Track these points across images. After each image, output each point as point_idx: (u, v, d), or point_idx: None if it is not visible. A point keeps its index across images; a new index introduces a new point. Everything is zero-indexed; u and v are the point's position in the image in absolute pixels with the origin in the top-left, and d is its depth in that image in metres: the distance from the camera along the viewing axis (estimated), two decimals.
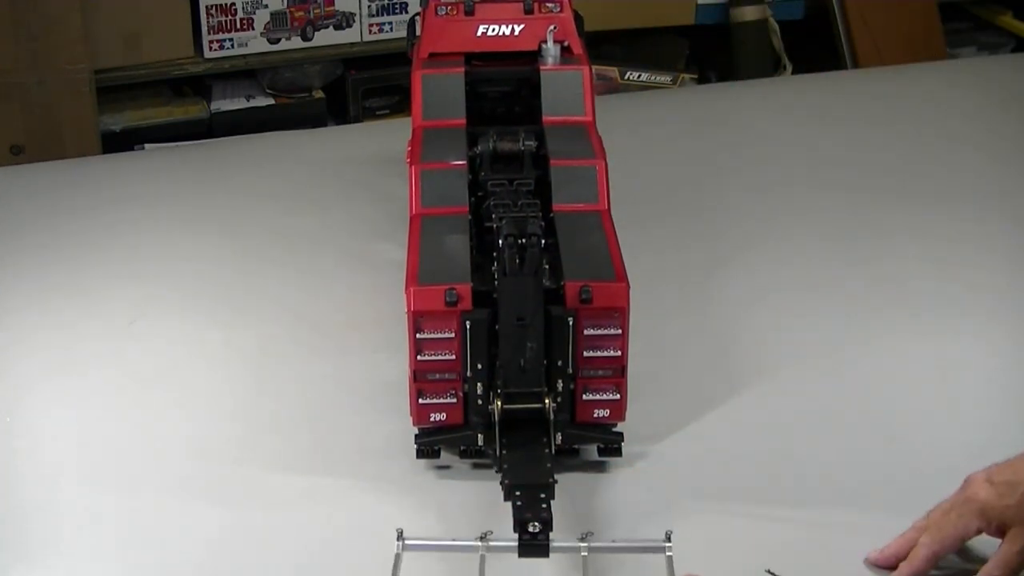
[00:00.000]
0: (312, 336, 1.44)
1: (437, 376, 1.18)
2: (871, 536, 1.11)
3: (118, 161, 2.13)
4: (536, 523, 1.03)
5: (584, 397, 1.19)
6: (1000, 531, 1.06)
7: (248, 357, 1.41)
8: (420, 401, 1.19)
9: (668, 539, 1.05)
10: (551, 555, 1.04)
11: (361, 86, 2.55)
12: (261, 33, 2.47)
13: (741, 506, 1.18)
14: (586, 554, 1.03)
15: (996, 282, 1.54)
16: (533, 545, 1.04)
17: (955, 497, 1.09)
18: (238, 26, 2.45)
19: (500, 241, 1.14)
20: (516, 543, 1.03)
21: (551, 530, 1.04)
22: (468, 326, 1.16)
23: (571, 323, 1.16)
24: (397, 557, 1.05)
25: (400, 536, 1.05)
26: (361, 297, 1.50)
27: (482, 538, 1.04)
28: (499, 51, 1.50)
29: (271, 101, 2.52)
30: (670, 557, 1.04)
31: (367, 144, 1.92)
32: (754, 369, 1.37)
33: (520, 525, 1.04)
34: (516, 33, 1.50)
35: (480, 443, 1.19)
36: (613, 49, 2.62)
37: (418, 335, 1.17)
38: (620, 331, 1.18)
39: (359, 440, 1.27)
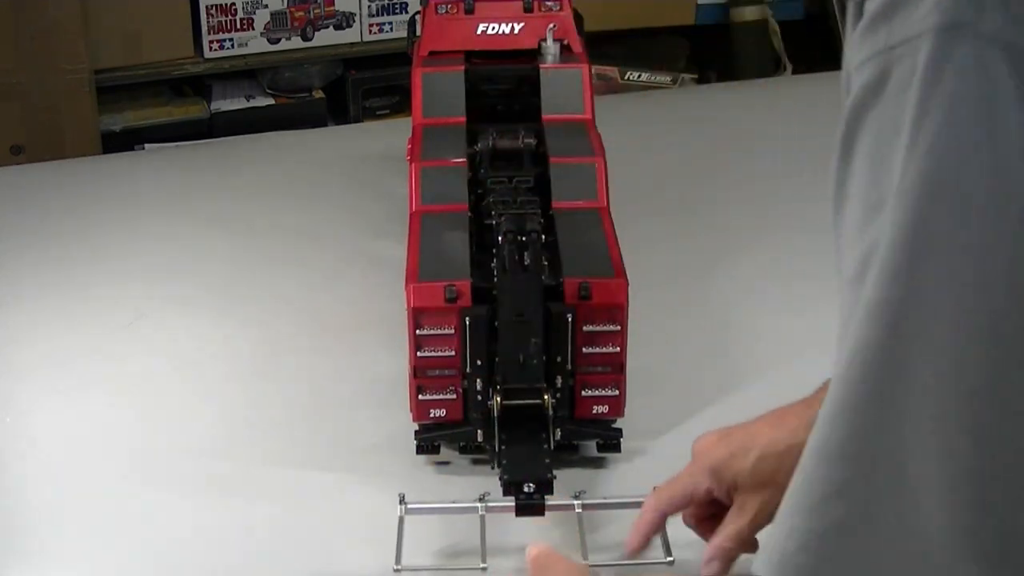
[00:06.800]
0: (312, 333, 1.44)
1: (437, 372, 1.18)
2: None
3: (118, 161, 2.13)
4: (531, 483, 1.07)
5: (583, 393, 1.19)
6: (729, 494, 1.01)
7: (248, 355, 1.41)
8: (420, 397, 1.19)
9: None
10: (547, 513, 1.08)
11: (361, 86, 2.55)
12: (261, 33, 2.47)
13: None
14: (580, 511, 1.07)
15: None
16: (529, 505, 1.08)
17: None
18: (238, 26, 2.44)
19: (500, 238, 1.14)
20: (513, 503, 1.07)
21: (550, 492, 1.08)
22: (468, 322, 1.16)
23: (570, 319, 1.16)
24: (400, 520, 1.08)
25: (402, 500, 1.09)
26: (361, 294, 1.50)
27: (481, 499, 1.08)
28: (499, 49, 1.50)
29: (271, 101, 2.52)
30: None
31: (367, 144, 1.92)
32: (753, 364, 1.37)
33: (515, 486, 1.07)
34: (516, 31, 1.50)
35: (479, 439, 1.19)
36: (613, 49, 2.62)
37: (418, 331, 1.17)
38: (619, 327, 1.18)
39: (359, 436, 1.27)
